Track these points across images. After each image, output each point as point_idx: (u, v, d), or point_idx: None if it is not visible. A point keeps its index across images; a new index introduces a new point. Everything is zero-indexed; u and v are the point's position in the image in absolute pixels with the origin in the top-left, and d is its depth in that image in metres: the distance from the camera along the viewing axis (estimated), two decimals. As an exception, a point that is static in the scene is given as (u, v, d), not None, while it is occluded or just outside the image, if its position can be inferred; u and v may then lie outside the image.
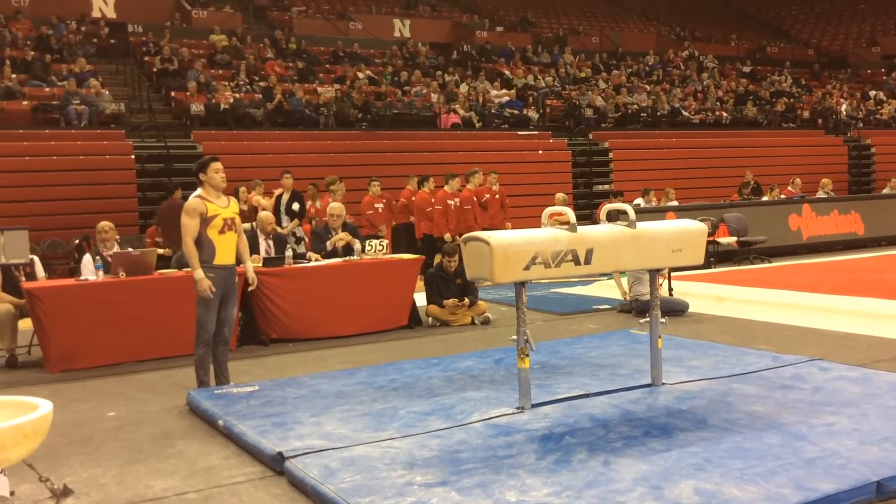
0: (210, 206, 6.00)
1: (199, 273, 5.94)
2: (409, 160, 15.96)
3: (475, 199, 12.69)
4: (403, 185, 13.58)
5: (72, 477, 4.44)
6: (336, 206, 9.50)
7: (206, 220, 5.97)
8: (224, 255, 6.08)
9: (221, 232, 6.04)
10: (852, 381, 5.60)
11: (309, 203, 12.04)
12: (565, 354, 6.80)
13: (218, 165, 6.14)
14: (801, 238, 15.07)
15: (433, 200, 12.56)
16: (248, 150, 15.18)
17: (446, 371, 6.35)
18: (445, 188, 12.59)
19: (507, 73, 21.72)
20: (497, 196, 13.09)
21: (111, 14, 20.98)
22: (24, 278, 8.05)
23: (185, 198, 6.33)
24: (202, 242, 5.99)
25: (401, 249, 12.31)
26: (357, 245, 8.89)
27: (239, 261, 6.35)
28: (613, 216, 5.56)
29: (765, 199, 15.83)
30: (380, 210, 12.31)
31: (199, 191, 6.07)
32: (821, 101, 24.53)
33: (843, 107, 24.12)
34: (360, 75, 19.27)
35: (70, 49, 17.63)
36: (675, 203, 15.06)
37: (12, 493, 3.89)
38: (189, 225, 5.95)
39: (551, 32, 27.74)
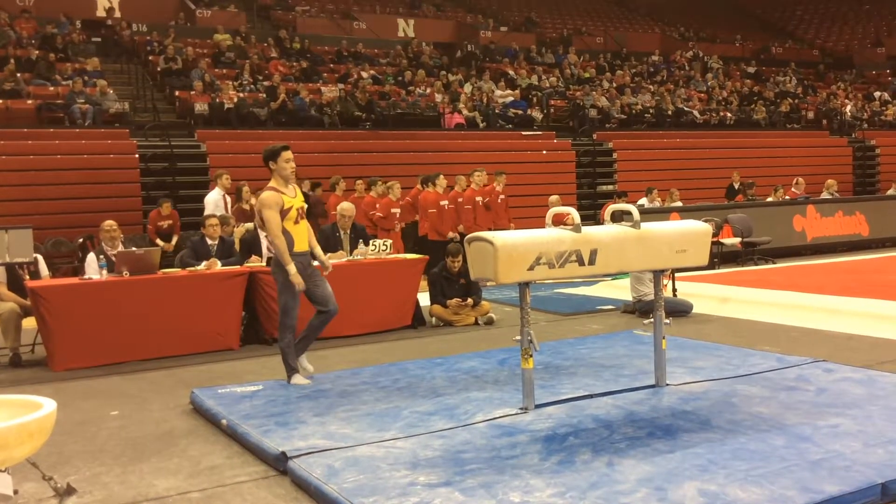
0: (285, 197, 5.95)
1: (293, 268, 5.89)
2: (413, 160, 15.96)
3: (477, 199, 12.64)
4: (407, 185, 13.56)
5: (75, 476, 4.44)
6: (346, 206, 9.34)
7: (282, 213, 5.92)
8: (301, 243, 6.05)
9: (296, 222, 6.01)
10: (857, 383, 5.59)
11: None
12: (569, 355, 6.79)
13: (289, 154, 6.04)
14: (806, 239, 15.05)
15: (430, 201, 12.48)
16: (251, 150, 15.11)
17: (450, 371, 6.34)
18: (437, 189, 12.48)
19: (511, 73, 21.70)
20: (502, 197, 12.94)
21: (115, 14, 21.02)
22: (28, 277, 8.06)
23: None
24: None
25: (408, 248, 12.30)
26: (361, 245, 8.82)
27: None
28: (618, 217, 5.55)
29: (769, 199, 15.80)
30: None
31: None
32: (825, 102, 24.50)
33: (848, 107, 24.07)
34: (364, 75, 19.27)
35: (75, 48, 17.65)
36: (680, 203, 15.04)
37: (16, 492, 3.89)
38: (274, 219, 5.88)
39: (555, 32, 27.72)
